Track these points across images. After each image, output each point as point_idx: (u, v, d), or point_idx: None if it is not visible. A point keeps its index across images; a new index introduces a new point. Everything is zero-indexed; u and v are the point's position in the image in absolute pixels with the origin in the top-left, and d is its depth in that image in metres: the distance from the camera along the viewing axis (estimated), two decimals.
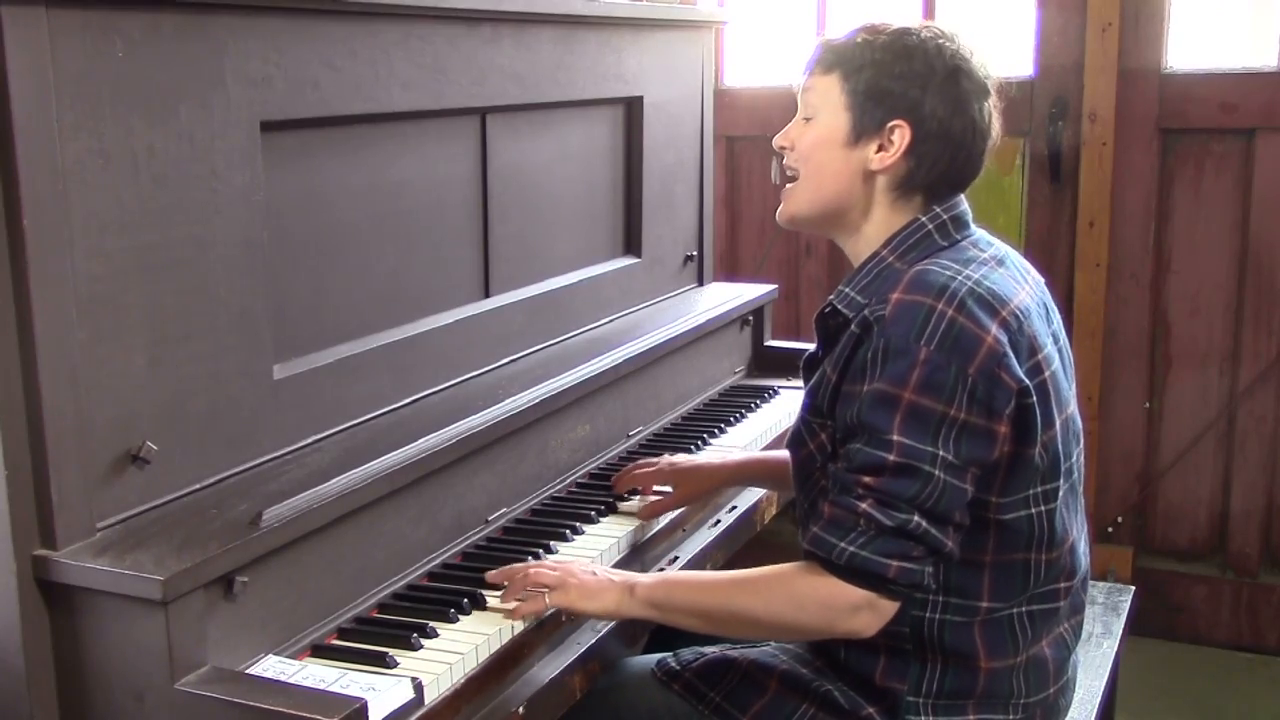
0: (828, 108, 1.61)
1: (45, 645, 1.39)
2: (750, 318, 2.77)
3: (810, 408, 1.63)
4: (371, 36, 1.76)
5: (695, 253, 2.78)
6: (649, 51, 2.50)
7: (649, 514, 1.95)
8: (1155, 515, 3.46)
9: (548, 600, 1.63)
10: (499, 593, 1.66)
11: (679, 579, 1.69)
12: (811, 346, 1.68)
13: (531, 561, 1.73)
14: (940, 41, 1.59)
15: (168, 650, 1.32)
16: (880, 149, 1.59)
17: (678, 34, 2.61)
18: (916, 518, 1.46)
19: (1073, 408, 1.62)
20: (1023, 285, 1.59)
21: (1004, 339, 1.48)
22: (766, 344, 2.84)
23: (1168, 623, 3.42)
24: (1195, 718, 3.08)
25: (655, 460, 2.06)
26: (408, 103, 1.85)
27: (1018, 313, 1.52)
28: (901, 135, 1.57)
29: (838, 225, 1.65)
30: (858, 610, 1.50)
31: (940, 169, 1.59)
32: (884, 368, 1.48)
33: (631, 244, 2.56)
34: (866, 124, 1.59)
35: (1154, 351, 3.38)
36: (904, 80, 1.57)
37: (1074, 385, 1.65)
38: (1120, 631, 2.25)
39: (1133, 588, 2.43)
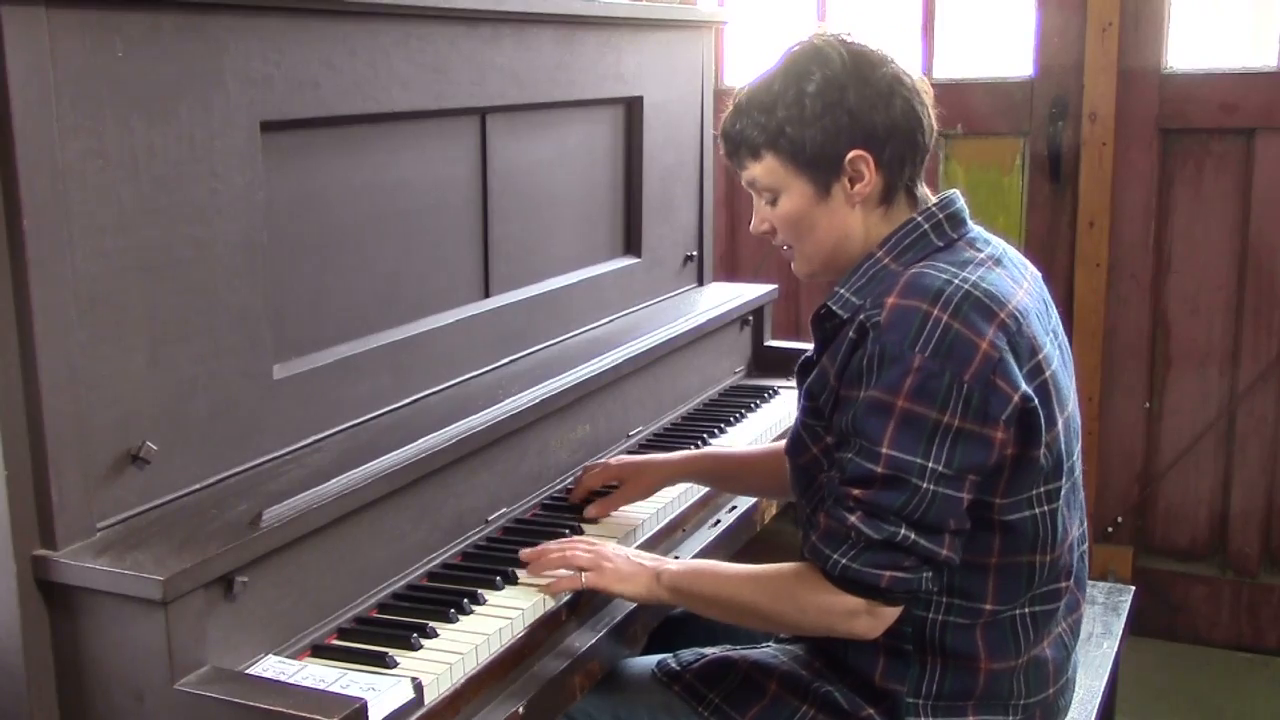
0: (781, 185, 1.59)
1: (45, 645, 1.39)
2: (750, 318, 2.77)
3: (810, 410, 1.61)
4: (371, 36, 1.76)
5: (695, 253, 2.78)
6: (649, 51, 2.50)
7: (597, 513, 1.93)
8: (1155, 515, 3.46)
9: (583, 580, 1.67)
10: (524, 574, 1.71)
11: (702, 568, 1.70)
12: (811, 347, 1.68)
13: (565, 540, 1.76)
14: (820, 46, 1.57)
15: (167, 650, 1.32)
16: (852, 182, 1.57)
17: (678, 34, 2.61)
18: (904, 530, 1.46)
19: (1073, 405, 1.62)
20: (1021, 284, 1.58)
21: (1002, 343, 1.47)
22: (766, 344, 2.83)
23: (1168, 623, 3.42)
24: (1195, 718, 3.08)
25: (604, 461, 2.05)
26: (408, 103, 1.85)
27: (1016, 314, 1.50)
28: (864, 159, 1.55)
29: (851, 257, 1.61)
30: (855, 615, 1.51)
31: (911, 158, 1.58)
32: (879, 375, 1.47)
33: (631, 244, 2.56)
34: (826, 174, 1.56)
35: (1154, 351, 3.37)
36: (825, 114, 1.54)
37: (1073, 381, 1.64)
38: (1120, 631, 2.25)
39: (1133, 588, 2.44)
